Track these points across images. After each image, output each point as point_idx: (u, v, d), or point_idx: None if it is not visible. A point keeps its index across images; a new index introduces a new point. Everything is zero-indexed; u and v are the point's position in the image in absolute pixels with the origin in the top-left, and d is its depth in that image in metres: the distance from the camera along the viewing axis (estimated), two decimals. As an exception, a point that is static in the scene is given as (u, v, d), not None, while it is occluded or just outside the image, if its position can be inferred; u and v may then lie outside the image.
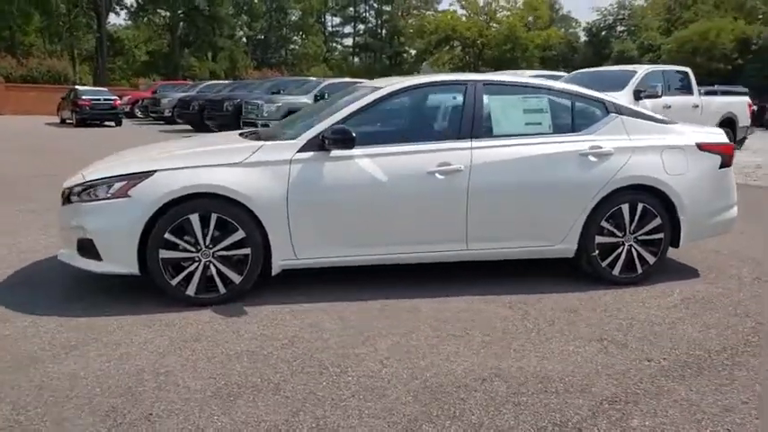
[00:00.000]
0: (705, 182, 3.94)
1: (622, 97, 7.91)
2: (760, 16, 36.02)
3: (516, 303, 3.53)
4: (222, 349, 2.87)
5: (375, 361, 2.76)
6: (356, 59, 60.03)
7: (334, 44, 62.73)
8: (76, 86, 22.60)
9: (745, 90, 14.85)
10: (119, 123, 20.42)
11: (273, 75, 35.29)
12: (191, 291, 3.37)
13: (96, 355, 2.78)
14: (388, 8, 58.13)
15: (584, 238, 3.77)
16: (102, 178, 3.41)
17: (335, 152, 3.46)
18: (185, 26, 48.34)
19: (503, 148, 3.64)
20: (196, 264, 3.36)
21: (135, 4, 46.90)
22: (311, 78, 18.56)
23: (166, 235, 3.29)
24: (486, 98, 3.72)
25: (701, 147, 3.95)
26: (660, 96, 8.97)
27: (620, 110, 3.94)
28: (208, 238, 3.34)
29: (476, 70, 38.71)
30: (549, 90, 3.94)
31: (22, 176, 8.25)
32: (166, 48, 48.07)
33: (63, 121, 21.48)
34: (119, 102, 21.12)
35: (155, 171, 3.34)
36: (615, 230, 3.81)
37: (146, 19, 47.83)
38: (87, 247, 3.36)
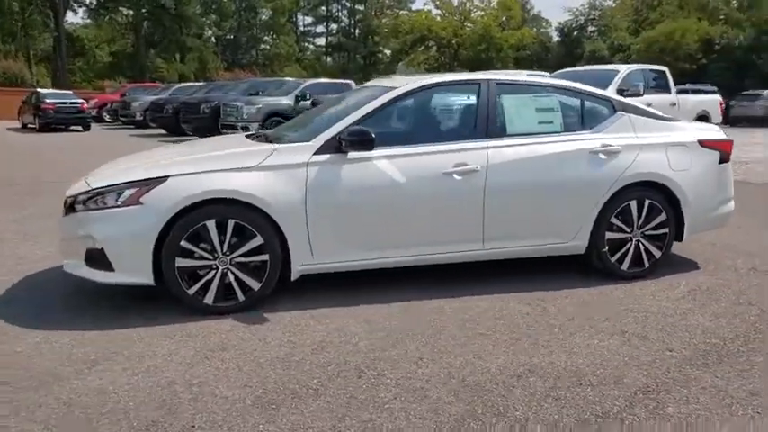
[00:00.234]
0: (706, 177, 4.06)
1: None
2: (722, 17, 37.31)
3: (533, 300, 3.57)
4: (251, 357, 2.82)
5: (409, 362, 2.76)
6: (329, 59, 59.68)
7: (307, 44, 62.18)
8: (38, 89, 21.86)
9: (715, 89, 15.40)
10: (87, 128, 19.82)
11: (246, 76, 34.74)
12: (209, 299, 3.30)
13: (122, 369, 2.70)
14: (361, 7, 57.85)
15: (595, 235, 3.84)
16: (110, 186, 3.30)
17: (353, 154, 3.44)
18: (150, 25, 46.99)
19: (517, 147, 3.68)
20: (214, 271, 3.29)
21: (94, 2, 45.27)
22: (288, 79, 18.37)
23: (182, 242, 3.21)
24: (499, 97, 3.76)
25: (703, 143, 4.07)
26: (642, 95, 9.21)
27: (627, 108, 4.03)
28: (225, 245, 3.28)
29: (451, 71, 38.97)
30: (559, 89, 4.00)
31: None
32: (131, 48, 46.70)
33: (24, 126, 20.76)
34: (86, 105, 20.52)
35: (167, 177, 3.26)
36: (624, 226, 3.90)
37: (107, 17, 46.29)
38: (97, 258, 3.25)
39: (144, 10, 45.15)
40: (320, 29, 61.27)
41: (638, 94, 9.05)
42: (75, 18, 72.02)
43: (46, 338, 3.03)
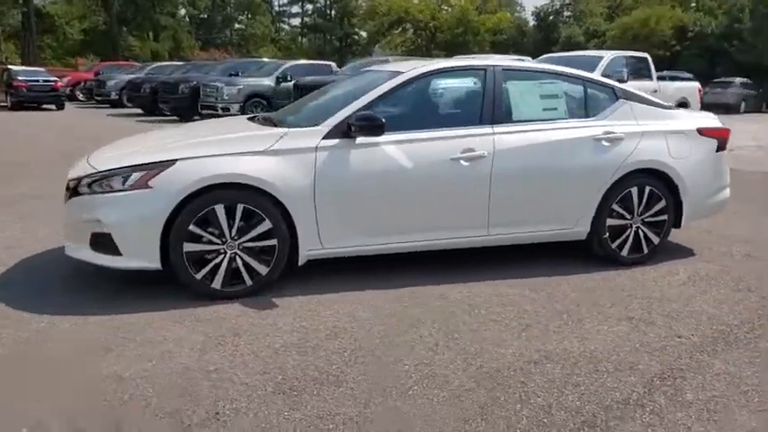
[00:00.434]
0: (704, 165, 4.14)
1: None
2: (693, 4, 37.87)
3: (538, 286, 3.61)
4: (265, 343, 2.80)
5: (426, 349, 2.77)
6: (305, 41, 58.67)
7: (282, 24, 61.04)
8: (10, 66, 21.02)
9: (691, 76, 15.66)
10: (60, 107, 19.17)
11: (222, 56, 33.97)
12: (216, 284, 3.26)
13: (135, 355, 2.65)
14: (337, -12, 56.96)
15: (597, 221, 3.90)
16: (116, 168, 3.21)
17: (361, 139, 3.40)
18: (122, 2, 45.56)
19: (523, 133, 3.69)
20: (222, 256, 3.24)
21: (64, -24, 43.78)
22: (267, 60, 18.04)
23: (191, 227, 3.15)
24: (504, 83, 3.75)
25: (701, 131, 4.14)
26: (626, 81, 9.30)
27: (628, 95, 4.07)
28: (234, 230, 3.23)
29: (428, 54, 38.74)
30: (564, 76, 4.01)
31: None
32: (102, 25, 45.16)
33: (-4, 104, 19.97)
34: (60, 84, 19.84)
35: (176, 160, 3.18)
36: (625, 213, 3.96)
37: (77, -7, 44.72)
38: (104, 242, 3.17)
39: (115, -14, 43.62)
40: (296, 9, 60.12)
41: (621, 81, 9.11)
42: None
43: (51, 323, 2.96)
